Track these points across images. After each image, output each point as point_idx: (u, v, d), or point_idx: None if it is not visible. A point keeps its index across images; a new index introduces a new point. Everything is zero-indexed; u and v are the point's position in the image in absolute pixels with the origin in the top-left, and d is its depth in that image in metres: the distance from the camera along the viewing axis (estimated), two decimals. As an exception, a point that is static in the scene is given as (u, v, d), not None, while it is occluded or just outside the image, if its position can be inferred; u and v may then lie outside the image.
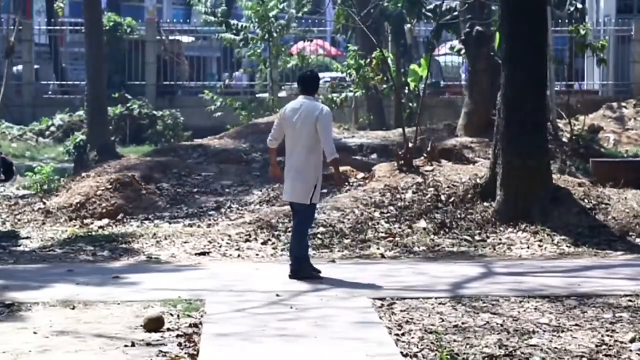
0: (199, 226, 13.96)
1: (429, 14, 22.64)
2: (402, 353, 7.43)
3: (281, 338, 7.87)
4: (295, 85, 31.09)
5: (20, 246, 12.83)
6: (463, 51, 21.64)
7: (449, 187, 14.72)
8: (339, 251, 12.46)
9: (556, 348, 7.61)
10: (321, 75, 17.95)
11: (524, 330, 8.13)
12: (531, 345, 7.67)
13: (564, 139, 19.70)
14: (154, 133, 27.16)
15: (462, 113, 21.29)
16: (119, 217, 14.49)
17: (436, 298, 9.40)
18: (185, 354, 7.52)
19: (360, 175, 16.23)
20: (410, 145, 15.78)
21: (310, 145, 10.35)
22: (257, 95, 27.57)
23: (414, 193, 14.62)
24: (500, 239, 13.01)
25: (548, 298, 9.41)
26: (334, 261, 11.82)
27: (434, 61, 26.60)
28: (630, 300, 9.31)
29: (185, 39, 34.88)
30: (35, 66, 32.36)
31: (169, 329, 8.20)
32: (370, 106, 25.26)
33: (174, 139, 26.47)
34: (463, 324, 8.39)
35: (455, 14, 21.00)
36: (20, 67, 31.62)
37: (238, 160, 17.45)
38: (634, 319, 8.56)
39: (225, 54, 34.15)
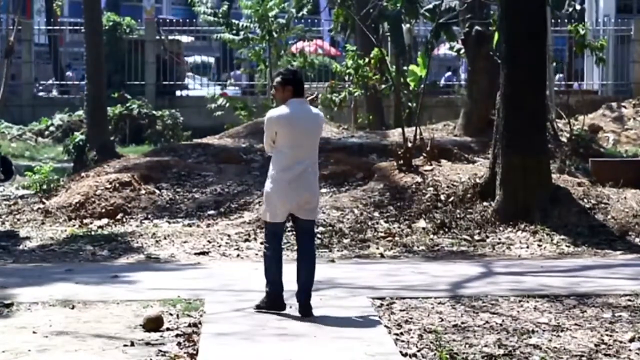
0: (198, 225, 13.97)
1: (427, 14, 22.63)
2: (401, 352, 7.44)
3: (280, 337, 7.86)
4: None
5: (19, 245, 12.83)
6: (462, 51, 21.63)
7: (448, 186, 14.73)
8: (338, 250, 12.46)
9: (555, 347, 7.62)
10: None
11: (523, 330, 8.14)
12: (530, 345, 7.68)
13: (563, 139, 19.70)
14: (153, 133, 27.15)
15: (461, 112, 21.29)
16: (118, 217, 14.49)
17: (435, 297, 9.40)
18: (185, 353, 7.52)
19: (360, 174, 16.23)
20: (410, 144, 15.78)
21: (316, 155, 8.88)
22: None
23: (413, 192, 14.62)
24: (500, 239, 13.02)
25: (547, 297, 9.41)
26: (333, 260, 11.82)
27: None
28: (629, 300, 9.31)
29: (185, 39, 34.87)
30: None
31: (168, 329, 8.20)
32: (370, 106, 25.24)
33: (173, 139, 26.45)
34: (462, 323, 8.39)
35: (454, 13, 21.00)
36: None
37: (237, 159, 17.43)
38: (633, 318, 8.57)
39: (225, 53, 34.15)
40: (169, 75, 31.30)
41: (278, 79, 8.80)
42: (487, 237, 13.12)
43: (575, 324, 8.37)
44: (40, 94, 31.67)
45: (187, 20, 32.24)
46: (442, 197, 14.41)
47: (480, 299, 9.35)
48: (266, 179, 8.71)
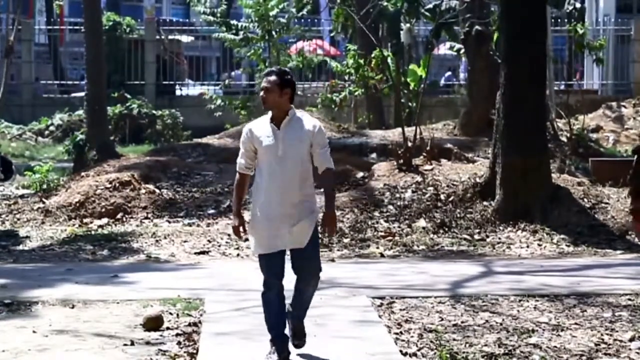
0: (198, 225, 13.96)
1: (427, 14, 22.64)
2: (401, 351, 7.43)
3: (280, 337, 7.85)
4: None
5: (19, 245, 12.83)
6: (462, 50, 21.64)
7: (448, 186, 14.73)
8: (338, 250, 12.46)
9: (555, 347, 7.61)
10: None
11: (523, 329, 8.13)
12: (530, 344, 7.67)
13: (563, 138, 19.71)
14: (153, 132, 27.17)
15: (461, 112, 21.30)
16: (118, 216, 14.49)
17: (435, 297, 9.40)
18: (185, 352, 7.52)
19: (360, 174, 16.23)
20: (410, 144, 15.80)
21: None
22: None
23: (413, 192, 14.63)
24: (500, 238, 13.02)
25: (547, 297, 9.41)
26: (333, 260, 11.82)
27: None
28: (629, 299, 9.31)
29: (185, 38, 34.87)
30: None
31: (168, 328, 8.20)
32: (370, 105, 25.26)
33: (173, 138, 26.48)
34: (462, 322, 8.39)
35: (454, 13, 21.00)
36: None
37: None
38: (633, 318, 8.57)
39: (225, 53, 34.15)
40: (169, 75, 31.31)
41: (274, 78, 7.15)
42: (487, 236, 13.12)
43: (575, 324, 8.37)
44: (44, 95, 31.63)
45: (187, 20, 32.24)
46: (442, 197, 14.41)
47: (480, 298, 9.35)
48: (313, 198, 7.21)
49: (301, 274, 7.13)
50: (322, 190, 7.23)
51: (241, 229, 7.18)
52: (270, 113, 7.21)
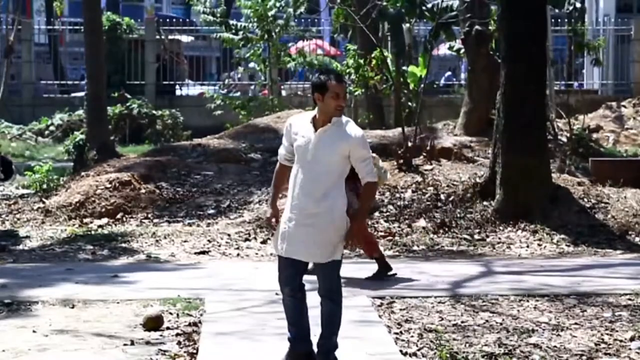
0: (198, 225, 13.97)
1: (427, 14, 22.61)
2: (401, 351, 7.44)
3: (280, 336, 7.82)
4: (294, 84, 31.08)
5: (19, 245, 12.83)
6: (462, 50, 21.62)
7: (448, 186, 14.74)
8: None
9: (555, 346, 7.62)
10: None
11: (523, 329, 8.14)
12: (530, 344, 7.68)
13: (563, 138, 19.70)
14: (153, 132, 27.15)
15: (461, 112, 21.28)
16: (118, 216, 14.48)
17: (435, 297, 9.40)
18: (185, 352, 7.52)
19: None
20: (410, 144, 15.80)
21: None
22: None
23: (413, 192, 14.63)
24: (500, 238, 13.02)
25: (547, 297, 9.41)
26: (333, 260, 11.80)
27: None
28: (629, 299, 9.32)
29: (185, 38, 34.87)
30: None
31: (168, 328, 8.20)
32: (370, 105, 25.25)
33: (173, 138, 26.45)
34: (462, 322, 8.39)
35: (454, 12, 20.99)
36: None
37: (237, 159, 17.44)
38: (634, 318, 8.57)
39: (225, 53, 34.17)
40: (169, 75, 31.31)
41: (328, 79, 6.68)
42: (487, 236, 13.12)
43: (576, 323, 8.37)
44: (44, 95, 31.63)
45: (187, 20, 32.23)
46: (442, 197, 14.41)
47: (480, 298, 9.35)
48: (334, 214, 6.72)
49: (319, 288, 6.91)
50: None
51: (273, 220, 6.88)
52: (315, 111, 6.78)
